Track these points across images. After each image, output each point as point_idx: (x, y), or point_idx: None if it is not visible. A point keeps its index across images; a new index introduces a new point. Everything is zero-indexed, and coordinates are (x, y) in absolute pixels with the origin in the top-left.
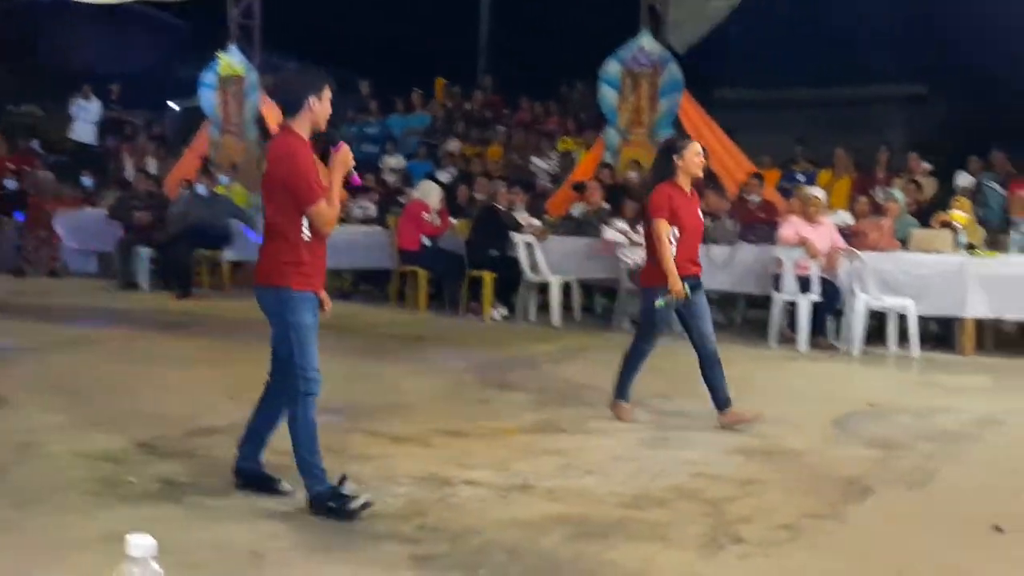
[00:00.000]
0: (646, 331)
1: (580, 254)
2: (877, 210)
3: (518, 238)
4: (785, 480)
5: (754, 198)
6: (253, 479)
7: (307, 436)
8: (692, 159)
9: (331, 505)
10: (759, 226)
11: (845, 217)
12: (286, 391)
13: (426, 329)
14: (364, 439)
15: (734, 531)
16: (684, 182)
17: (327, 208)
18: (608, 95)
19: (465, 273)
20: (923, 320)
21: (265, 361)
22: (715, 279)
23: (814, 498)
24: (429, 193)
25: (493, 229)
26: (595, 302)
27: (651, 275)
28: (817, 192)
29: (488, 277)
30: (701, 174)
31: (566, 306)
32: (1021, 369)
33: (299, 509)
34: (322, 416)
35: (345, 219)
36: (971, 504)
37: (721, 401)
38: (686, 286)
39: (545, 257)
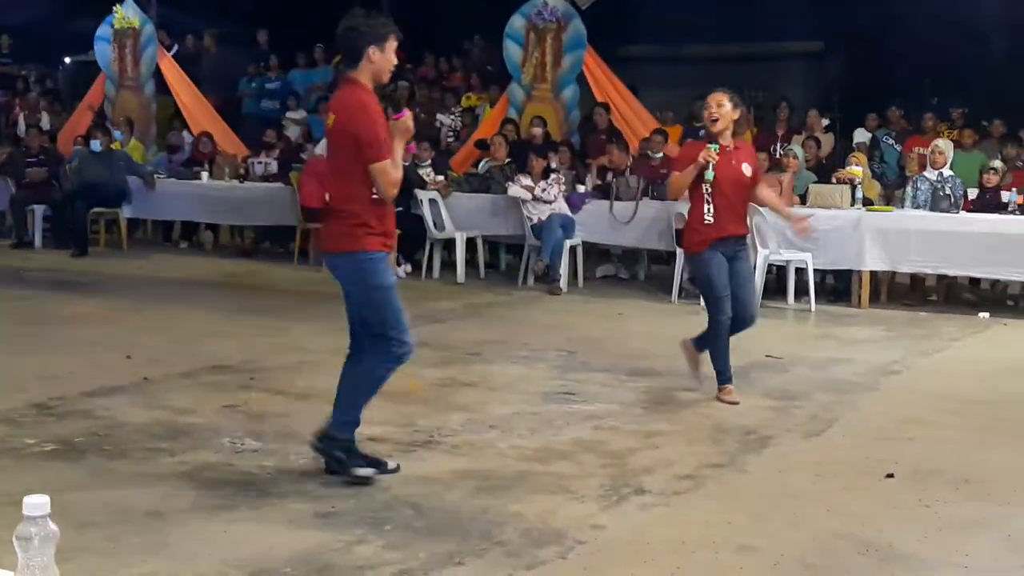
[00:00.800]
0: (708, 299)
1: (485, 210)
2: (777, 166)
3: (422, 195)
4: (686, 431)
5: (657, 154)
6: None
7: (369, 390)
8: (703, 113)
9: (339, 455)
10: (661, 182)
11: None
12: (373, 355)
13: (330, 287)
14: (267, 397)
15: (636, 482)
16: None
17: (392, 168)
18: (512, 51)
19: None
20: (821, 274)
21: (163, 320)
22: (618, 235)
23: (714, 448)
24: None
25: (405, 186)
26: (501, 259)
27: (688, 239)
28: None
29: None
30: (711, 127)
31: (471, 263)
32: (914, 321)
33: (200, 468)
34: (224, 374)
35: (245, 176)
36: (865, 452)
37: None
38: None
39: (450, 213)
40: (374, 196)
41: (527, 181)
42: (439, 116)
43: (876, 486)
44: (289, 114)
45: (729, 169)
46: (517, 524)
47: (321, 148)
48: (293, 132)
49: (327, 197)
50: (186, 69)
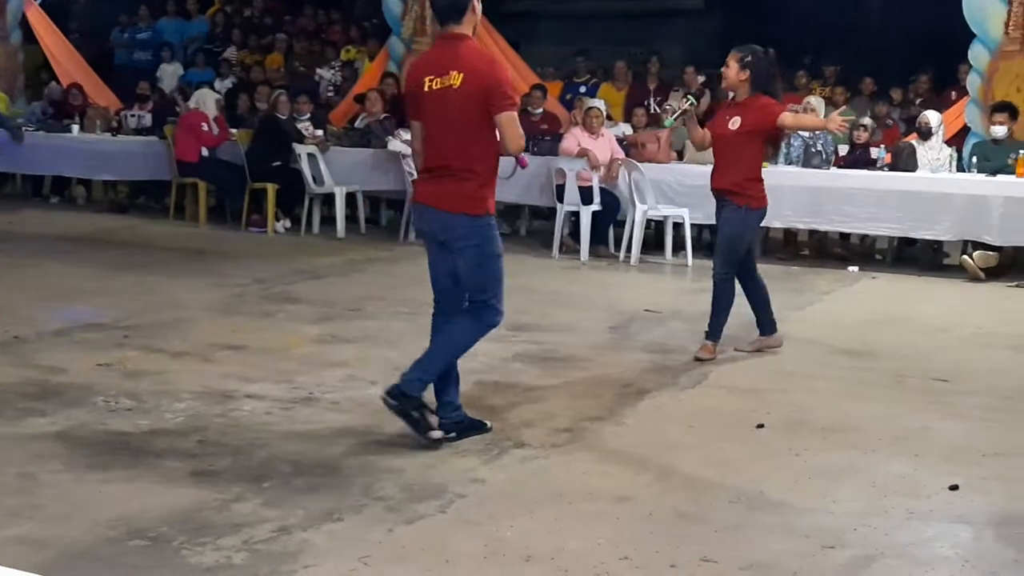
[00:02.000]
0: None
1: (365, 165)
2: (654, 121)
3: (300, 149)
4: (565, 385)
5: (537, 110)
6: (465, 428)
7: (453, 353)
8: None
9: (414, 414)
10: (542, 138)
11: (625, 128)
12: (467, 319)
13: (207, 242)
14: (141, 355)
15: (516, 436)
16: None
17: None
18: (392, 5)
19: (246, 185)
20: (698, 228)
21: (34, 277)
22: (499, 191)
23: (593, 402)
24: (205, 102)
25: (275, 140)
26: (382, 214)
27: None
28: (597, 104)
29: (270, 189)
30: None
31: (352, 218)
32: (787, 275)
33: (73, 428)
34: (97, 332)
35: (118, 129)
36: (738, 403)
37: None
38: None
39: (329, 168)
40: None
41: (407, 135)
42: (318, 70)
43: (748, 436)
44: (164, 66)
45: (718, 125)
46: (397, 479)
47: (196, 101)
48: (167, 85)
49: (443, 156)
50: (55, 18)
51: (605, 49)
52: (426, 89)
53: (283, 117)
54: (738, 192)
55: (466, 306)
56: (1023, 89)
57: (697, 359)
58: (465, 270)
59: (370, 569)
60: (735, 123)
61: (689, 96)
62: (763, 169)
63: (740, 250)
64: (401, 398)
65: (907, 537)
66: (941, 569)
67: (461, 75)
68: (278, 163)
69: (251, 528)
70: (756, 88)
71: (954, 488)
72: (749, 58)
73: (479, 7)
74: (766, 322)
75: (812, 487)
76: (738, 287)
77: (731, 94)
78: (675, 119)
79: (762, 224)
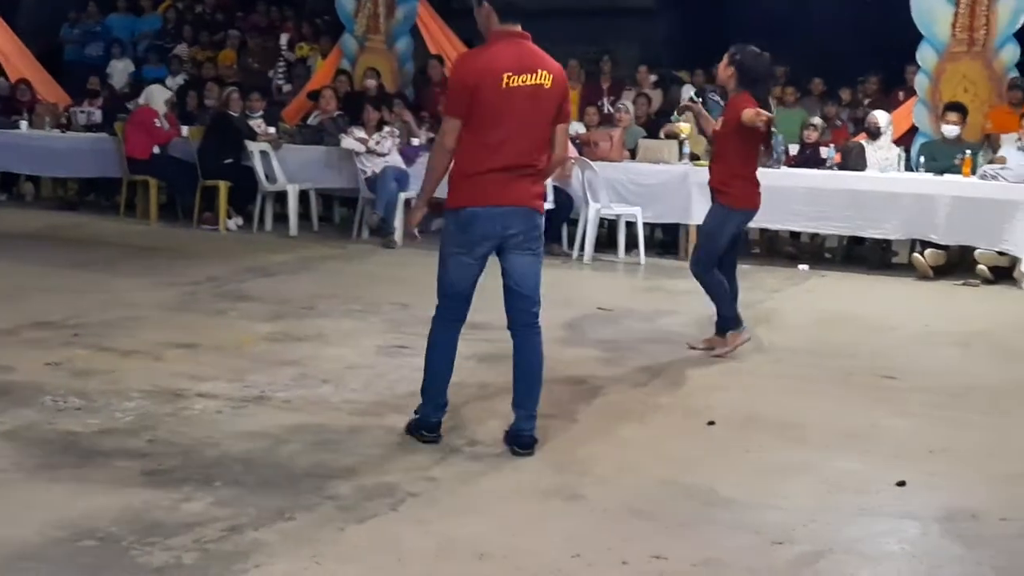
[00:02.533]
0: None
1: (318, 162)
2: (607, 120)
3: (253, 146)
4: None
5: None
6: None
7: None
8: None
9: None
10: None
11: (578, 127)
12: (533, 333)
13: (158, 240)
14: (91, 354)
15: (469, 433)
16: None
17: None
18: (346, 2)
19: (198, 182)
20: (650, 227)
21: None
22: None
23: (546, 399)
24: (154, 98)
25: (227, 137)
26: (335, 212)
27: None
28: None
29: (222, 186)
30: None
31: (304, 216)
32: (738, 273)
33: (21, 428)
34: (46, 331)
35: (68, 126)
36: (690, 400)
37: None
38: None
39: (282, 166)
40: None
41: (361, 133)
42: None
43: (699, 433)
44: (115, 62)
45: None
46: (349, 478)
47: (145, 98)
48: (118, 81)
49: (524, 155)
50: (2, 13)
51: (558, 47)
52: (504, 86)
53: (235, 114)
54: (721, 190)
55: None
56: (970, 90)
57: (717, 356)
58: (533, 271)
59: (321, 568)
60: (719, 121)
61: (691, 95)
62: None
63: (714, 248)
64: (533, 444)
65: (855, 533)
66: (888, 564)
67: (551, 77)
68: (230, 160)
69: (202, 527)
70: (742, 85)
71: (902, 484)
72: (738, 56)
73: None
74: (735, 322)
75: (762, 483)
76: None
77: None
78: (679, 114)
79: None
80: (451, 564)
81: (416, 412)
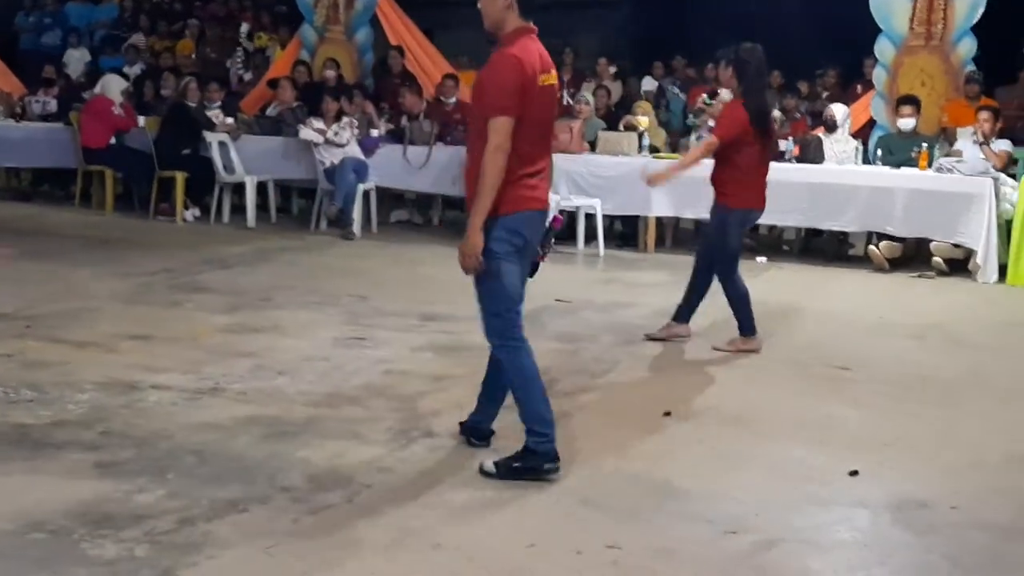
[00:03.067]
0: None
1: (276, 153)
2: (567, 112)
3: (211, 137)
4: (474, 375)
5: (450, 99)
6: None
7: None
8: None
9: None
10: (455, 127)
11: None
12: None
13: (113, 231)
14: (43, 345)
15: (424, 425)
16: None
17: None
18: None
19: (154, 173)
20: (609, 219)
21: None
22: (412, 180)
23: None
24: (110, 88)
25: (184, 127)
26: (293, 203)
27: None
28: None
29: (179, 177)
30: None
31: (262, 207)
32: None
33: None
34: None
35: (22, 115)
36: (645, 391)
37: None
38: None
39: (240, 156)
40: None
41: (319, 124)
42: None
43: (655, 424)
44: (71, 51)
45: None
46: (304, 469)
47: (101, 88)
48: (74, 70)
49: (545, 156)
50: None
51: None
52: (540, 85)
53: (192, 104)
54: (718, 190)
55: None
56: (927, 83)
57: (739, 349)
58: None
59: (274, 560)
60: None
61: (704, 96)
62: (676, 160)
63: (725, 251)
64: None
65: (807, 522)
66: (840, 553)
67: (554, 75)
68: (187, 151)
69: (154, 520)
70: (743, 81)
71: (854, 474)
72: (732, 55)
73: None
74: (686, 315)
75: (716, 474)
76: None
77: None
78: (692, 116)
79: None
80: (405, 555)
81: (524, 452)
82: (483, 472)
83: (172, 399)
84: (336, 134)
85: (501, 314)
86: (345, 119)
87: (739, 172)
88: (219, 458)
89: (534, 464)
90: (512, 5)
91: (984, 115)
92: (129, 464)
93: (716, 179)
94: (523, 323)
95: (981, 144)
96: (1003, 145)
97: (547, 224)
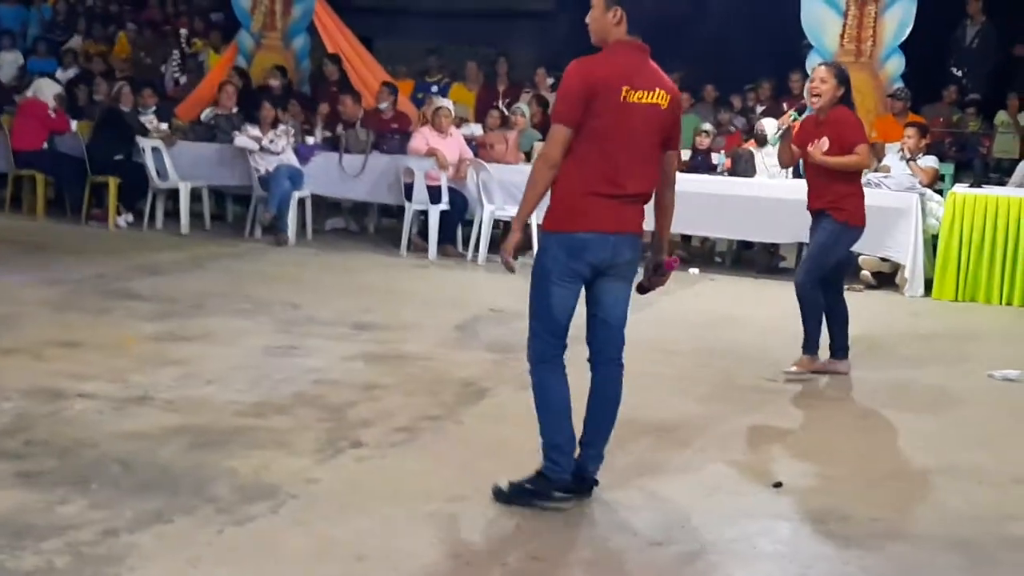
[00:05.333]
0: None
1: (211, 160)
2: (504, 123)
3: (145, 143)
4: (406, 384)
5: (382, 104)
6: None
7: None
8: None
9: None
10: (391, 136)
11: (475, 129)
12: (613, 366)
13: (45, 237)
14: None
15: (353, 435)
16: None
17: None
18: None
19: (87, 178)
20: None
21: None
22: (348, 188)
23: (432, 400)
24: (43, 92)
25: (117, 132)
26: (228, 209)
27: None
28: (446, 103)
29: (112, 182)
30: (812, 103)
31: (197, 213)
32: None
33: None
34: None
35: None
36: (575, 400)
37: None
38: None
39: (174, 162)
40: None
41: (255, 131)
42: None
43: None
44: (3, 54)
45: (808, 143)
46: (230, 480)
47: (34, 92)
48: (6, 74)
49: (636, 180)
50: None
51: (456, 48)
52: (622, 99)
53: (126, 109)
54: (837, 207)
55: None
56: (856, 99)
57: (785, 373)
58: (625, 300)
59: (198, 571)
60: (822, 144)
61: (793, 113)
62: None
63: (826, 263)
64: (594, 486)
65: (731, 533)
66: (761, 565)
67: (668, 98)
68: (120, 156)
69: (76, 531)
70: (848, 92)
71: (778, 486)
72: (836, 67)
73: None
74: (840, 346)
75: (642, 485)
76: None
77: (813, 110)
78: (779, 135)
79: None
80: (330, 566)
81: (537, 475)
82: (495, 490)
83: (98, 408)
84: (272, 141)
85: (540, 335)
86: (281, 127)
87: (857, 187)
88: (145, 468)
89: (544, 489)
90: (621, 20)
91: (909, 131)
92: (52, 474)
93: (833, 200)
94: (563, 351)
95: (908, 160)
96: (930, 162)
97: (660, 261)
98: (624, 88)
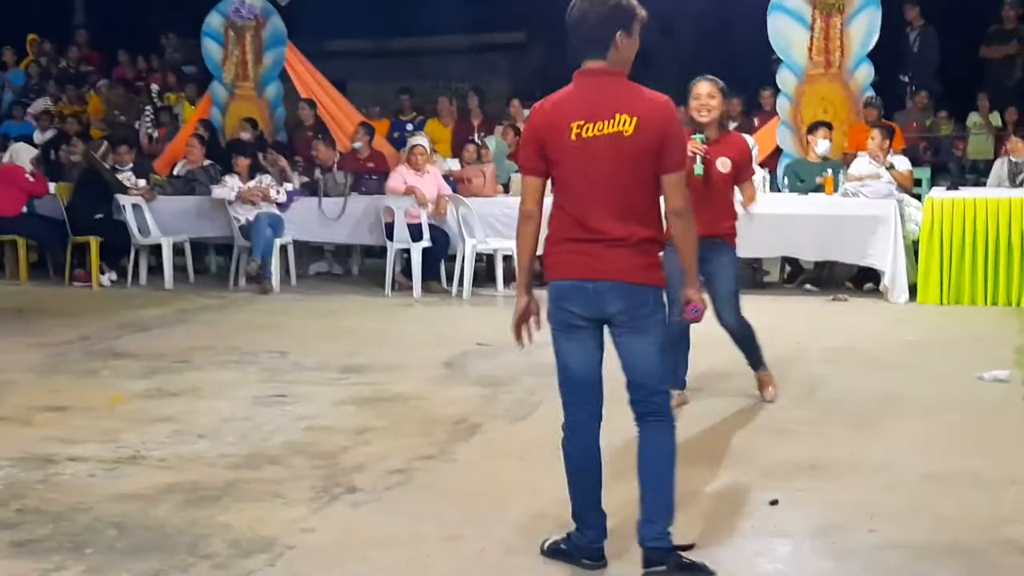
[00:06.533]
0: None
1: (191, 213)
2: (480, 157)
3: (125, 200)
4: (397, 425)
5: (361, 148)
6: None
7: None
8: (691, 103)
9: (683, 560)
10: (369, 177)
11: (452, 164)
12: (660, 425)
13: (28, 300)
14: None
15: (347, 481)
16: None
17: None
18: (211, 49)
19: (68, 239)
20: None
21: None
22: (329, 232)
23: (424, 440)
24: (19, 156)
25: (96, 191)
26: (212, 261)
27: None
28: (421, 141)
29: (93, 242)
30: (700, 119)
31: (180, 267)
32: None
33: None
34: None
35: None
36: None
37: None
38: None
39: (155, 217)
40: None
41: (236, 182)
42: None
43: None
44: None
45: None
46: (225, 535)
47: (11, 156)
48: None
49: (629, 221)
50: None
51: (430, 85)
52: (574, 137)
53: (105, 167)
54: (731, 234)
55: (640, 408)
56: (829, 110)
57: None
58: (649, 352)
59: None
60: (723, 165)
61: (699, 135)
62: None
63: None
64: (666, 554)
65: (729, 555)
66: None
67: (634, 120)
68: (100, 215)
69: None
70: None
71: (774, 503)
72: (726, 88)
73: (627, 43)
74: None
75: (633, 512)
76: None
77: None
78: (701, 165)
79: None
80: None
81: (569, 536)
82: (540, 543)
83: (90, 470)
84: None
85: (561, 393)
86: (266, 178)
87: (735, 210)
88: (139, 529)
89: (573, 552)
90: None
91: (874, 132)
92: (47, 541)
93: (730, 225)
94: (581, 414)
95: (888, 168)
96: (903, 165)
97: (686, 298)
98: (575, 125)
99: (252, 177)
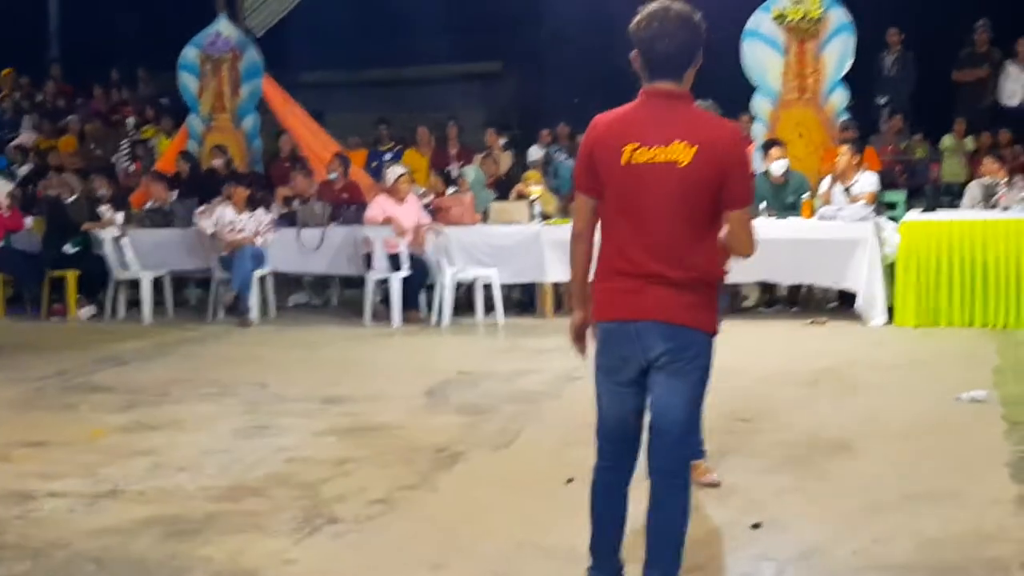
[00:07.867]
0: None
1: (170, 245)
2: (455, 183)
3: (104, 234)
4: (378, 455)
5: (336, 178)
6: None
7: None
8: None
9: None
10: (346, 207)
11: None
12: (675, 479)
13: (4, 336)
14: None
15: (329, 511)
16: None
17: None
18: (188, 82)
19: (45, 273)
20: (507, 288)
21: None
22: (308, 263)
23: (406, 470)
24: None
25: (62, 224)
26: (191, 293)
27: None
28: (400, 170)
29: (70, 276)
30: None
31: (159, 300)
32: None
33: None
34: None
35: None
36: (549, 459)
37: None
38: None
39: (134, 251)
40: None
41: (230, 213)
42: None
43: (558, 492)
44: None
45: None
46: (206, 568)
47: None
48: None
49: (676, 258)
50: None
51: (407, 115)
52: (625, 162)
53: (69, 200)
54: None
55: (661, 458)
56: (804, 135)
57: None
58: (679, 399)
59: None
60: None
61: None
62: (567, 225)
63: None
64: None
65: None
66: None
67: (693, 150)
68: (74, 249)
69: None
70: None
71: (757, 526)
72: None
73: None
74: None
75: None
76: None
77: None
78: None
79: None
80: None
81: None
82: None
83: (69, 505)
84: (243, 222)
85: (597, 434)
86: (261, 211)
87: None
88: (119, 563)
89: None
90: (641, 65)
91: (842, 149)
92: None
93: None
94: (613, 460)
95: (846, 189)
96: (868, 186)
97: None
98: (628, 148)
99: (250, 207)
